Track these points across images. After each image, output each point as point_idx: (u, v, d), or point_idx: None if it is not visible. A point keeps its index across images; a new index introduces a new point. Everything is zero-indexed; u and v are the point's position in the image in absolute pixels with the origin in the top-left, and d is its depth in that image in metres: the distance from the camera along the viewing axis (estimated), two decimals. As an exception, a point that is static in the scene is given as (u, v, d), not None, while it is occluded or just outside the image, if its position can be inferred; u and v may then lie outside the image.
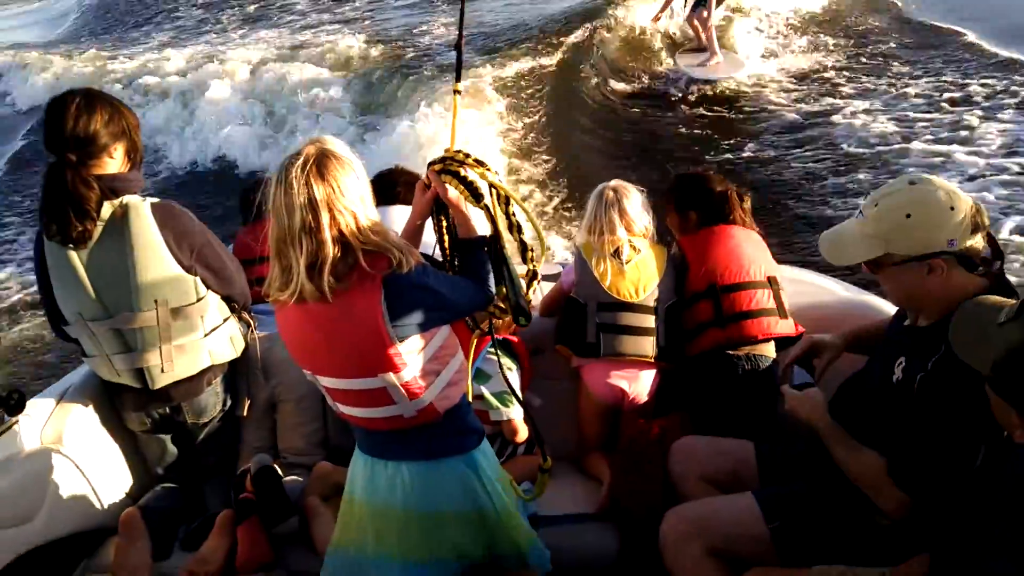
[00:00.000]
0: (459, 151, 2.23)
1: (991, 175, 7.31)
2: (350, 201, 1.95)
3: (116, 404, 2.90)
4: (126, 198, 2.59)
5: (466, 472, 2.16)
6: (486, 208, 2.20)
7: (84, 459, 2.77)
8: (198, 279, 2.70)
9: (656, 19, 11.12)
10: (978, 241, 2.06)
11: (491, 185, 2.21)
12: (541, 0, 13.38)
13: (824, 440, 2.26)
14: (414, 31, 12.88)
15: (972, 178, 7.27)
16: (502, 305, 2.23)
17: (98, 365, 2.78)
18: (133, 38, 16.16)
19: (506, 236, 2.23)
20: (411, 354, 2.03)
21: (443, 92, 8.97)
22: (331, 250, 1.92)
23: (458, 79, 2.45)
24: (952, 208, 2.03)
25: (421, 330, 2.03)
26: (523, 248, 2.27)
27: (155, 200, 2.64)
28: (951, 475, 2.00)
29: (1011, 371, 1.49)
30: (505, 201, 2.22)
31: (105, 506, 2.81)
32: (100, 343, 2.69)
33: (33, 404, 2.82)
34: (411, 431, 2.13)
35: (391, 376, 2.01)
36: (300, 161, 1.93)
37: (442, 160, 2.22)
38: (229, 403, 2.93)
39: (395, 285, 1.95)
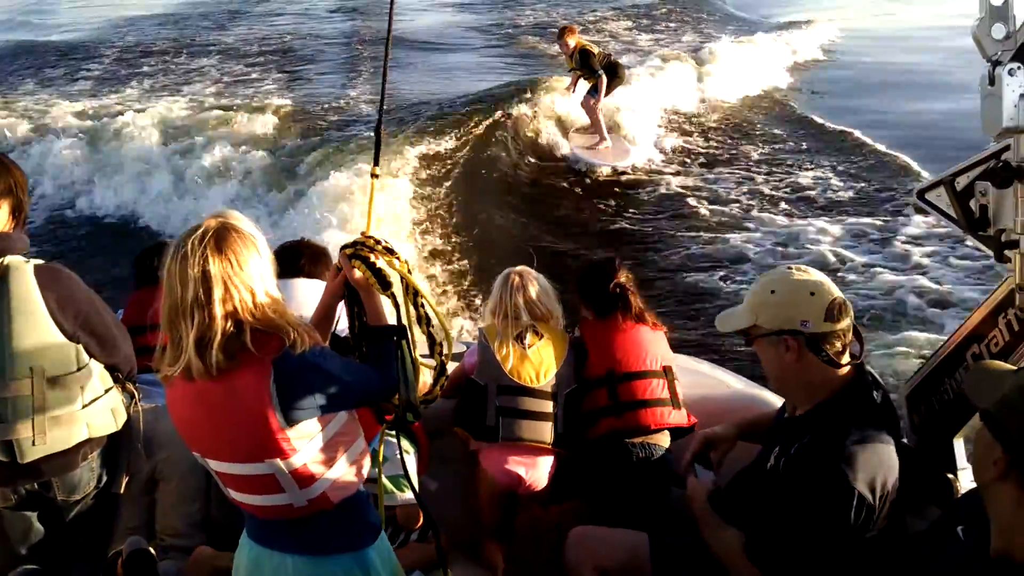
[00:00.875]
0: (371, 237, 2.23)
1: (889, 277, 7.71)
2: (248, 277, 1.91)
3: None
4: (8, 259, 2.47)
5: (355, 572, 2.07)
6: (392, 296, 2.19)
7: None
8: (80, 347, 2.57)
9: (569, 89, 11.37)
10: (835, 330, 2.20)
11: (400, 275, 2.21)
12: (456, 81, 13.76)
13: (698, 523, 2.38)
14: (334, 101, 12.95)
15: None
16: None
17: (-38, 435, 2.59)
18: (35, 88, 15.67)
19: (413, 328, 2.22)
20: (302, 440, 1.95)
21: (360, 169, 8.98)
22: (221, 325, 1.86)
23: (376, 163, 2.47)
24: (812, 293, 2.22)
25: (315, 415, 1.97)
26: (431, 341, 2.26)
27: (39, 262, 2.53)
28: (804, 555, 2.11)
29: (1017, 406, 1.52)
30: (414, 292, 2.22)
31: None
32: None
33: None
34: (301, 521, 2.04)
35: (279, 462, 1.94)
36: (199, 233, 1.90)
37: (353, 244, 2.22)
38: (105, 479, 2.77)
39: (286, 366, 1.90)
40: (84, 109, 12.82)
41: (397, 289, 2.19)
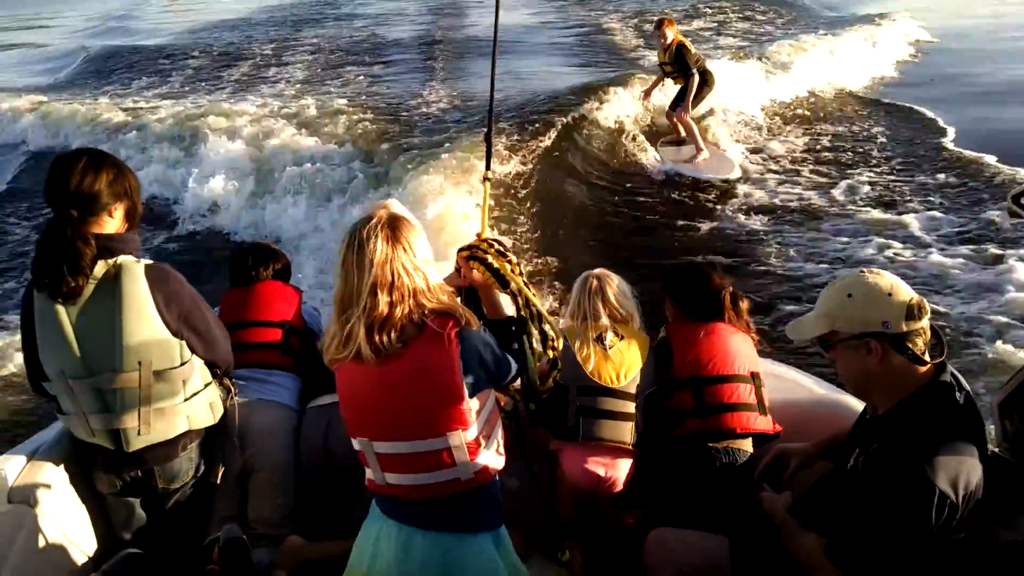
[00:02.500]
0: (485, 240, 2.36)
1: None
2: (421, 262, 2.02)
3: (87, 464, 2.85)
4: (120, 258, 2.60)
5: (493, 551, 2.16)
6: (512, 294, 2.30)
7: (51, 519, 2.71)
8: (184, 343, 2.70)
9: (647, 96, 11.17)
10: (915, 329, 2.17)
11: (509, 278, 2.33)
12: (539, 81, 13.76)
13: (778, 529, 2.36)
14: (416, 102, 13.09)
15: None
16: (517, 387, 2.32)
17: (74, 424, 2.74)
18: (133, 89, 16.34)
19: (529, 325, 2.33)
20: (473, 412, 2.06)
21: (446, 169, 9.04)
22: (400, 309, 1.97)
23: (488, 167, 2.56)
24: (890, 294, 2.18)
25: (481, 388, 2.08)
26: (543, 337, 2.36)
27: (149, 262, 2.66)
28: (886, 555, 2.07)
29: None
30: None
31: (68, 570, 2.74)
32: (79, 401, 2.66)
33: (3, 460, 2.78)
34: (454, 499, 2.11)
35: (459, 434, 2.03)
36: (373, 222, 2.00)
37: (470, 247, 2.34)
38: (202, 470, 2.90)
39: (467, 342, 2.01)
40: (170, 112, 13.17)
41: (514, 287, 2.31)
